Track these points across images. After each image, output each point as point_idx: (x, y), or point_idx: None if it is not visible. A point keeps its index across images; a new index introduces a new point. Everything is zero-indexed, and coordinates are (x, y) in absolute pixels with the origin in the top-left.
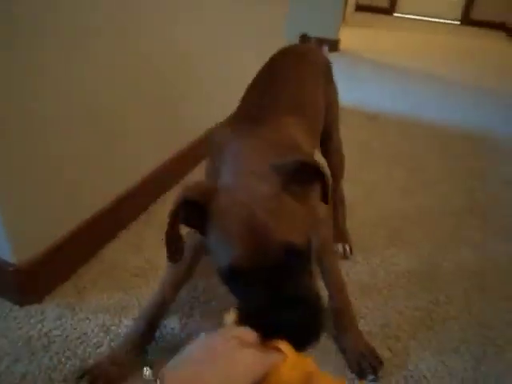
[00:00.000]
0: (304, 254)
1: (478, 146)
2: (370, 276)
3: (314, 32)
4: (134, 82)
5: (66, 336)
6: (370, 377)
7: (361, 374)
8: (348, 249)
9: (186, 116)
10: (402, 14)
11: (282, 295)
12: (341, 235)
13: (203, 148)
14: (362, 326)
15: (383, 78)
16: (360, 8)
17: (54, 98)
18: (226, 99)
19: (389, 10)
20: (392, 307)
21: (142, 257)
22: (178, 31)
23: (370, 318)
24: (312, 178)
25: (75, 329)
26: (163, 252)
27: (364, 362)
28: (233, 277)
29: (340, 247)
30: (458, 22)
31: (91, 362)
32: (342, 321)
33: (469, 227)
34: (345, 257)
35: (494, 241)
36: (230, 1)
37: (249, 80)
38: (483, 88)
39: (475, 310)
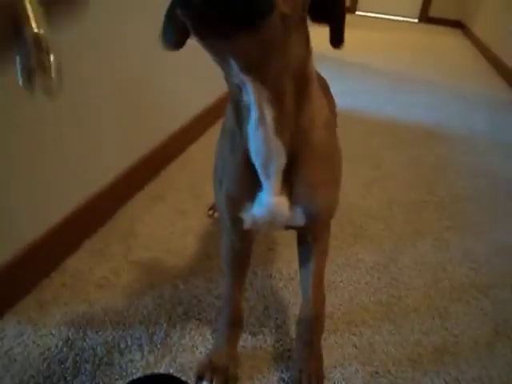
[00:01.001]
0: None
1: (437, 140)
2: (337, 274)
3: None
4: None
5: (28, 353)
6: None
7: None
8: None
9: (150, 118)
10: (364, 12)
11: None
12: None
13: (163, 156)
14: (329, 324)
15: (346, 76)
16: None
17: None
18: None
19: (350, 9)
20: (357, 304)
21: (106, 266)
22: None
23: (337, 316)
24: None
25: (38, 345)
26: (129, 260)
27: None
28: None
29: None
30: (417, 20)
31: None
32: (310, 332)
33: (427, 220)
34: None
35: (450, 233)
36: None
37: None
38: (442, 84)
39: (434, 302)
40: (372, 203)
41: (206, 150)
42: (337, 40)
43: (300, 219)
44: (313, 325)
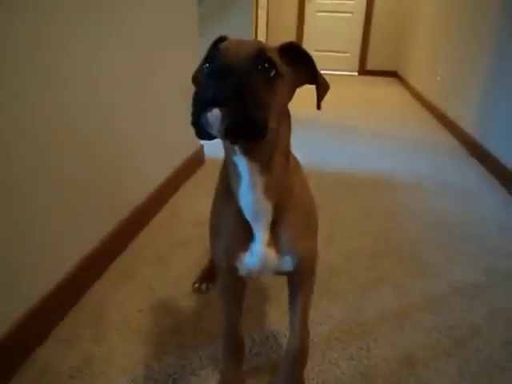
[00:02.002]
0: (272, 70)
1: (387, 188)
2: None
3: None
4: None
5: None
6: None
7: None
8: None
9: (114, 193)
10: None
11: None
12: None
13: (128, 231)
14: None
15: (294, 131)
16: None
17: None
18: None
19: None
20: (329, 361)
21: (77, 355)
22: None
23: (310, 376)
24: (299, 63)
25: None
26: (100, 345)
27: None
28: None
29: None
30: (356, 73)
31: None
32: (294, 363)
33: (387, 268)
34: None
35: (409, 278)
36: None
37: None
38: (385, 132)
39: (401, 349)
40: (334, 257)
41: (172, 219)
42: (317, 104)
43: (287, 266)
44: (297, 356)
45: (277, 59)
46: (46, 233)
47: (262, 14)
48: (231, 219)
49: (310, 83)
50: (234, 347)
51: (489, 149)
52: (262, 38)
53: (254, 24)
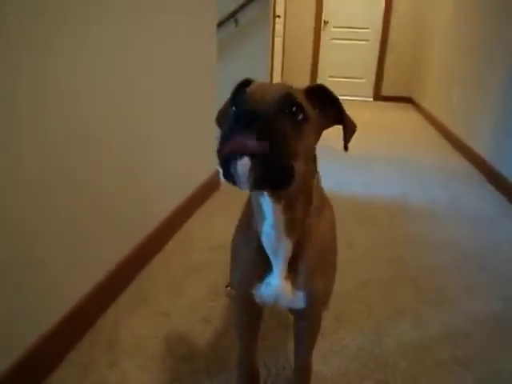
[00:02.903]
0: (300, 114)
1: (402, 214)
2: (323, 363)
3: None
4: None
5: None
6: None
7: None
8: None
9: (128, 219)
10: None
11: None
12: None
13: (142, 256)
14: None
15: None
16: None
17: None
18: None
19: None
20: None
21: (91, 380)
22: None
23: None
24: (326, 105)
25: None
26: (113, 371)
27: None
28: (236, 100)
29: None
30: (371, 99)
31: None
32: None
33: (404, 297)
34: None
35: (427, 308)
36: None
37: None
38: (399, 158)
39: (420, 382)
40: (349, 284)
41: (186, 244)
42: (345, 146)
43: (300, 302)
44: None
45: (304, 102)
46: (61, 258)
47: (278, 41)
48: (252, 251)
49: (337, 124)
50: (249, 377)
51: (504, 174)
52: (278, 64)
53: (271, 51)
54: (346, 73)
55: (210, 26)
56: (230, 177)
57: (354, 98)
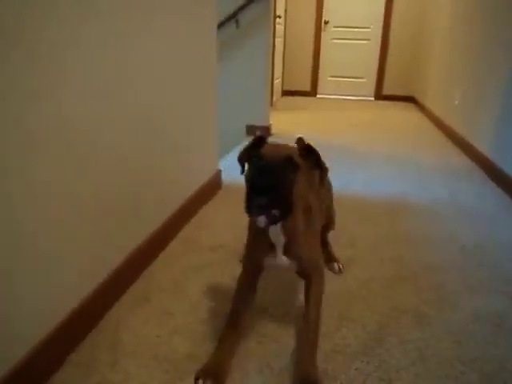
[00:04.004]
0: (295, 170)
1: (402, 212)
2: (327, 362)
3: (249, 122)
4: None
5: None
6: None
7: None
8: (341, 266)
9: (132, 218)
10: (324, 95)
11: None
12: (332, 257)
13: (145, 256)
14: None
15: None
16: (286, 93)
17: None
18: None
19: (311, 93)
20: None
21: (93, 381)
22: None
23: None
24: (309, 154)
25: None
26: (116, 371)
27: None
28: (254, 160)
29: (335, 266)
30: (372, 98)
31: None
32: (306, 347)
33: (405, 296)
34: (340, 272)
35: (428, 307)
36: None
37: None
38: (400, 156)
39: (423, 381)
40: (351, 282)
41: (188, 244)
42: (321, 181)
43: (294, 266)
44: (310, 340)
45: (297, 158)
46: (63, 258)
47: (278, 41)
48: (264, 241)
49: (317, 168)
50: (232, 333)
51: (506, 171)
52: (278, 64)
53: (271, 52)
54: (347, 72)
55: (210, 26)
56: (253, 212)
57: (355, 97)
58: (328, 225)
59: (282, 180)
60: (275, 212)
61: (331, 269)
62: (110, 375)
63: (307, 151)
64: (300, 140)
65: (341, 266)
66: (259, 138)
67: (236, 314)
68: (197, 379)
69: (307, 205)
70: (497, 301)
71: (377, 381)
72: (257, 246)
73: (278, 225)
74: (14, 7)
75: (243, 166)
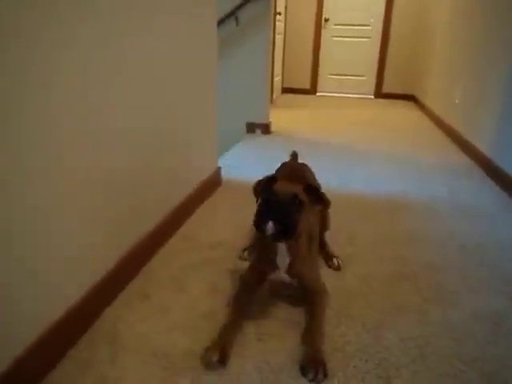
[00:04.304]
0: (300, 204)
1: (402, 210)
2: (326, 359)
3: (249, 119)
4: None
5: None
6: (310, 376)
7: (303, 372)
8: (340, 262)
9: (133, 213)
10: (324, 92)
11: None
12: (331, 254)
13: (144, 253)
14: None
15: (309, 154)
16: (286, 90)
17: None
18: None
19: (311, 91)
20: None
21: (92, 377)
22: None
23: None
24: (312, 192)
25: None
26: (115, 367)
27: (312, 366)
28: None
29: (334, 261)
30: (372, 96)
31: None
32: (312, 328)
33: (405, 293)
34: (339, 268)
35: (428, 305)
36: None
37: None
38: (400, 154)
39: (423, 379)
40: (351, 280)
41: (187, 241)
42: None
43: (295, 283)
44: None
45: (303, 196)
46: (63, 254)
47: (278, 38)
48: (270, 258)
49: (319, 203)
50: (235, 318)
51: (505, 170)
52: (278, 62)
53: (271, 48)
54: (347, 70)
55: (210, 24)
56: (262, 230)
57: (354, 95)
58: (324, 225)
59: (289, 214)
60: (280, 228)
61: (331, 265)
62: (109, 371)
63: (310, 188)
64: (294, 154)
65: (340, 261)
66: (272, 176)
67: (239, 304)
68: (204, 355)
69: (310, 235)
70: (497, 300)
71: (375, 379)
72: (262, 263)
73: (285, 247)
74: (14, 7)
75: (258, 199)
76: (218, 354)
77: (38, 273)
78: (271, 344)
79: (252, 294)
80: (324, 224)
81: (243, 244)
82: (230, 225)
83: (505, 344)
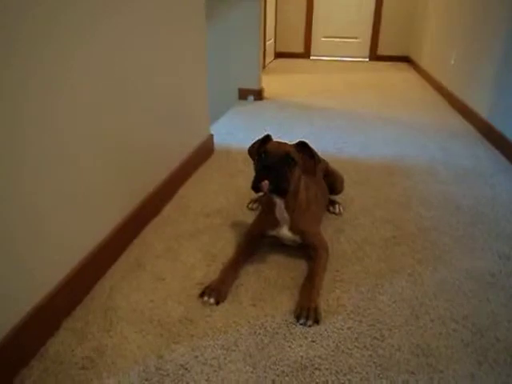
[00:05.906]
0: (292, 162)
1: (398, 174)
2: (320, 322)
3: (242, 85)
4: None
5: None
6: (301, 321)
7: (297, 318)
8: (341, 208)
9: (126, 181)
10: (317, 56)
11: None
12: (332, 200)
13: (138, 221)
14: (318, 376)
15: (306, 119)
16: (279, 55)
17: None
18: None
19: (305, 55)
20: (343, 351)
21: (88, 345)
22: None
23: (325, 367)
24: (304, 149)
25: None
26: (111, 335)
27: (305, 312)
28: (259, 156)
29: (336, 207)
30: (367, 59)
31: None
32: (309, 280)
33: (400, 256)
34: (340, 213)
35: (422, 266)
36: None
37: None
38: (396, 118)
39: (416, 339)
40: (345, 245)
41: (181, 209)
42: (315, 172)
43: (297, 239)
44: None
45: (295, 154)
46: (56, 224)
47: (271, 1)
48: (271, 217)
49: (310, 158)
50: (235, 263)
51: (503, 132)
52: (271, 26)
53: (263, 12)
54: (341, 33)
55: None
56: (258, 187)
57: (349, 58)
58: (334, 187)
59: (281, 172)
60: (274, 186)
61: (333, 211)
62: (106, 340)
63: (301, 145)
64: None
65: (341, 208)
66: (266, 136)
67: (241, 250)
68: (202, 295)
69: (314, 195)
70: (491, 259)
71: (369, 339)
72: (264, 220)
73: (282, 205)
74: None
75: (254, 159)
76: (215, 295)
77: (32, 242)
78: (266, 309)
79: (255, 246)
80: (335, 186)
81: (238, 212)
82: (224, 192)
83: (497, 301)
